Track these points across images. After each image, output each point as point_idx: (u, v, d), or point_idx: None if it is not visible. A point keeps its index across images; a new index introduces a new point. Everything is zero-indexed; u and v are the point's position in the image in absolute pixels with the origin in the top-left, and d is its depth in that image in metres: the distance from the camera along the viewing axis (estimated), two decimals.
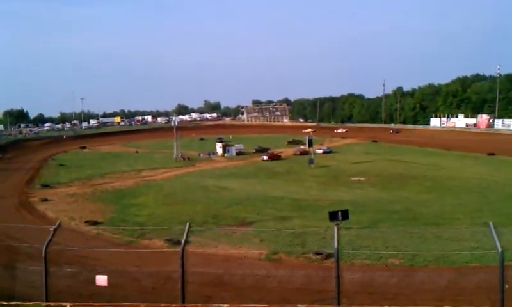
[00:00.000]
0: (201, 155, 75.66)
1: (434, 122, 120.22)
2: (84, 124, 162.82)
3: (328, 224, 17.21)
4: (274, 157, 68.49)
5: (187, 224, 11.52)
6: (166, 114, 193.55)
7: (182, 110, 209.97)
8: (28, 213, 32.99)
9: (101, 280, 11.88)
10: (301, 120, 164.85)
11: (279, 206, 34.26)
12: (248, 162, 66.72)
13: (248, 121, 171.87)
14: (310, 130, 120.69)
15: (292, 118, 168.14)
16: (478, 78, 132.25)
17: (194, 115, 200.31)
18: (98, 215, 31.58)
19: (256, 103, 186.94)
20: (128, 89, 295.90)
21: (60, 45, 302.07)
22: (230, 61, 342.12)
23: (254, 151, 77.52)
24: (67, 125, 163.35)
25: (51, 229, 11.95)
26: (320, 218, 25.09)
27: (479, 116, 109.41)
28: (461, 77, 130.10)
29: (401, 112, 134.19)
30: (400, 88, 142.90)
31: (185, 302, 10.79)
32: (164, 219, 29.19)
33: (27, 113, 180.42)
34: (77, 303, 11.07)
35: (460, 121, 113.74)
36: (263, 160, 66.79)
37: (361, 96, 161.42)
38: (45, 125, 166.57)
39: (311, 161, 59.67)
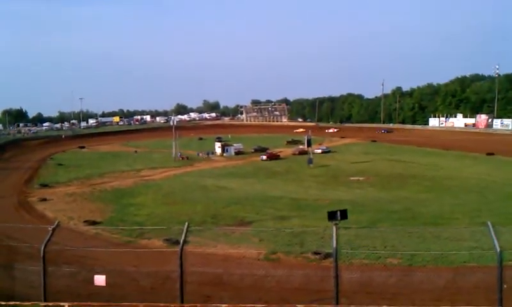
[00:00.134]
0: (200, 154, 75.67)
1: (433, 122, 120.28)
2: (83, 124, 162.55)
3: (327, 224, 17.27)
4: (273, 157, 68.52)
5: (186, 223, 11.52)
6: (164, 113, 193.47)
7: (181, 109, 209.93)
8: (27, 213, 32.95)
9: (100, 280, 11.88)
10: (300, 120, 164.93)
11: (278, 205, 34.27)
12: (246, 161, 66.72)
13: (246, 120, 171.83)
14: (301, 130, 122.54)
15: (291, 118, 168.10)
16: (477, 78, 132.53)
17: (193, 115, 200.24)
18: (97, 214, 31.56)
19: (255, 103, 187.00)
20: (127, 88, 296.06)
21: (59, 45, 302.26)
22: (229, 60, 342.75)
23: (253, 150, 77.50)
24: (66, 124, 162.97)
25: (50, 229, 11.95)
26: (319, 218, 25.08)
27: (478, 116, 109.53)
28: (460, 77, 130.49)
29: (400, 112, 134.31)
30: (399, 88, 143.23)
31: (184, 302, 10.79)
32: (163, 219, 29.18)
33: (26, 112, 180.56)
34: (75, 303, 11.07)
35: (459, 121, 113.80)
36: (262, 159, 66.82)
37: (360, 96, 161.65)
38: (44, 124, 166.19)
39: (310, 161, 59.69)
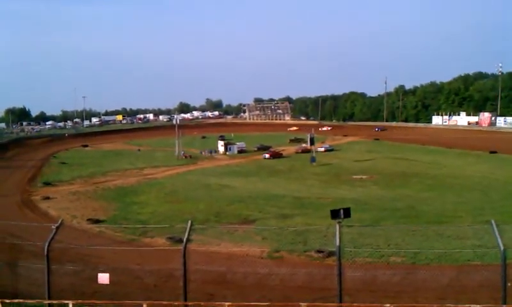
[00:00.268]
0: (203, 153, 75.77)
1: (437, 120, 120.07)
2: (86, 122, 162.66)
3: (330, 222, 17.27)
4: (276, 155, 68.57)
5: (189, 222, 11.51)
6: (167, 112, 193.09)
7: (184, 108, 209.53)
8: (30, 211, 33.09)
9: (103, 278, 11.89)
10: (303, 118, 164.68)
11: (281, 204, 34.29)
12: (249, 160, 66.78)
13: (249, 119, 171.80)
14: (294, 128, 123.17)
15: (294, 116, 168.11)
16: (480, 76, 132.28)
17: (196, 113, 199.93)
18: (101, 213, 31.67)
19: (258, 101, 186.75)
20: (130, 87, 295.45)
21: (62, 44, 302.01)
22: (232, 59, 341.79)
23: (256, 149, 77.59)
24: (69, 123, 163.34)
25: (53, 227, 11.96)
26: (322, 216, 25.12)
27: (481, 114, 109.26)
28: (463, 75, 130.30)
29: (403, 110, 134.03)
30: (402, 86, 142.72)
31: (187, 300, 10.78)
32: (166, 217, 29.26)
33: (29, 111, 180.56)
34: (79, 301, 11.09)
35: (462, 119, 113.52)
36: (265, 158, 66.93)
37: (363, 95, 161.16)
38: (47, 123, 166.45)
39: (313, 159, 59.73)
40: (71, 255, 16.80)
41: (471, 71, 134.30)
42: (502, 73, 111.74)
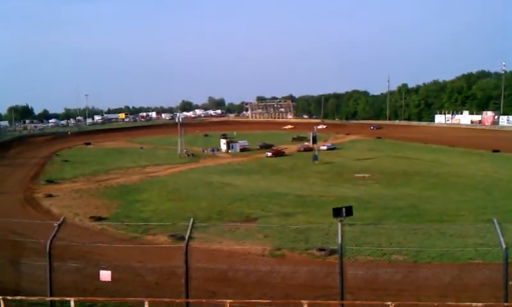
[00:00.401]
0: (206, 151, 75.84)
1: (439, 119, 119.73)
2: (89, 120, 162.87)
3: (332, 221, 17.29)
4: (278, 154, 68.59)
5: (191, 220, 11.52)
6: (170, 110, 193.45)
7: (186, 106, 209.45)
8: (33, 209, 33.15)
9: (105, 275, 11.92)
10: (306, 117, 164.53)
11: (283, 202, 34.28)
12: (252, 158, 66.84)
13: (252, 117, 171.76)
14: (289, 126, 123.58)
15: (296, 115, 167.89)
16: (483, 74, 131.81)
17: (198, 111, 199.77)
18: (103, 210, 31.71)
19: (261, 99, 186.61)
20: (133, 85, 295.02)
21: (65, 42, 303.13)
22: (235, 57, 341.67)
23: (258, 147, 77.65)
24: (72, 121, 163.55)
25: (55, 224, 11.98)
26: (324, 214, 25.09)
27: (484, 112, 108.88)
28: (466, 73, 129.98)
29: (406, 108, 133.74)
30: (405, 85, 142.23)
31: (189, 297, 10.80)
32: (168, 215, 29.27)
33: (31, 109, 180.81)
34: (81, 298, 11.12)
35: (465, 118, 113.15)
36: (267, 156, 66.95)
37: (365, 93, 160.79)
38: (50, 121, 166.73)
39: (315, 157, 59.71)
40: (73, 252, 16.87)
41: (474, 70, 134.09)
42: (505, 71, 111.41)
